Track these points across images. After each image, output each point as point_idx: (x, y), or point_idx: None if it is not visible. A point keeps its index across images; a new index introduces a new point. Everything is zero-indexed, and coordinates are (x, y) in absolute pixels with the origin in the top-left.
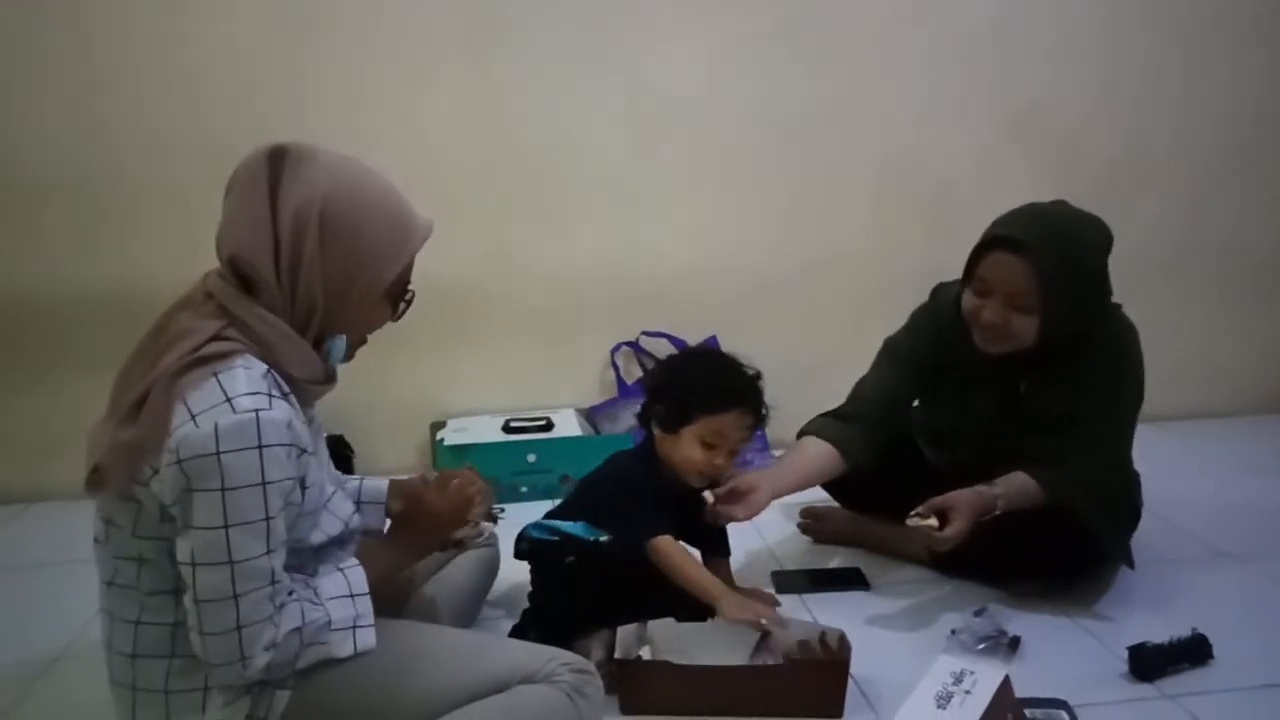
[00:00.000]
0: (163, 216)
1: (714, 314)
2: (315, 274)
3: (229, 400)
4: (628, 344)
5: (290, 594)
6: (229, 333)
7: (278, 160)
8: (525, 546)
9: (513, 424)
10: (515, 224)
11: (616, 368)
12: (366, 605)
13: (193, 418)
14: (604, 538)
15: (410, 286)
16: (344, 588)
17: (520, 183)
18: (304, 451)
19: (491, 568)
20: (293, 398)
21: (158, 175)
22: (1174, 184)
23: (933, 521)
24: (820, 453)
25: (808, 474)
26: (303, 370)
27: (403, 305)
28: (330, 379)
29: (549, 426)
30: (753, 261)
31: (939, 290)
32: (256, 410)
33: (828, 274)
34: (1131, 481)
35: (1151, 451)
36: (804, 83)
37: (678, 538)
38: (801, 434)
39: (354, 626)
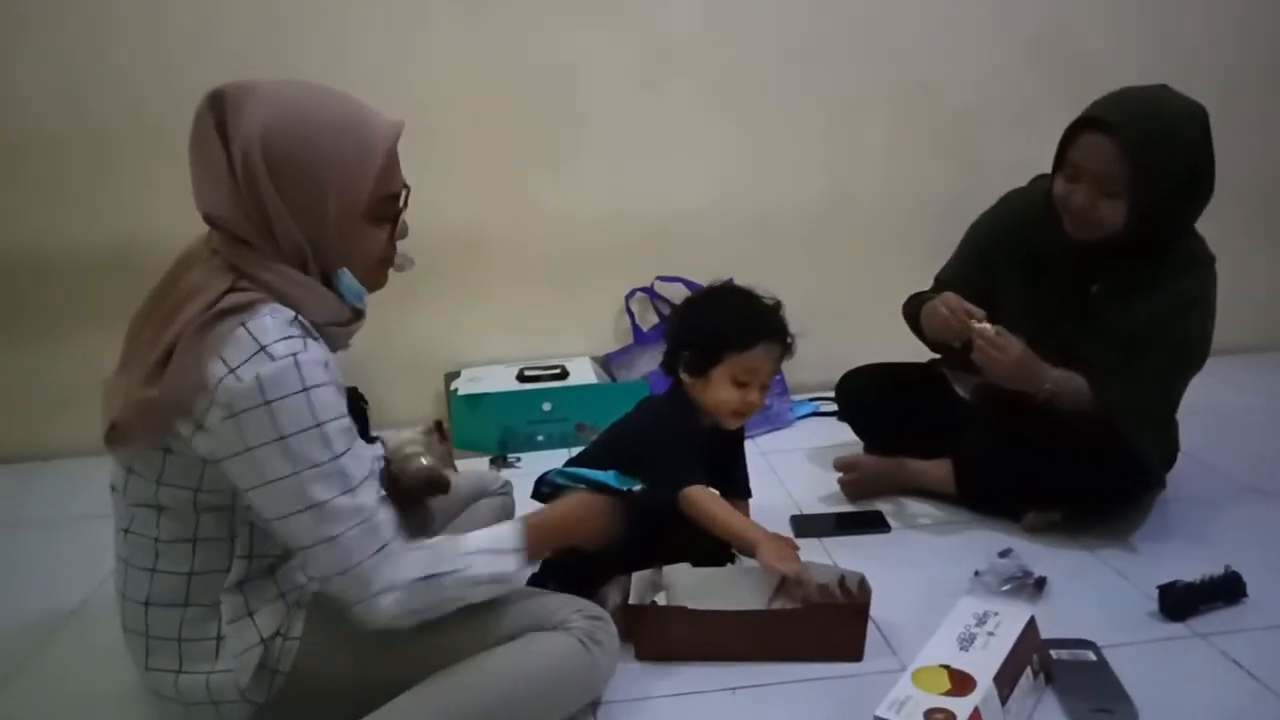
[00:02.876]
0: (160, 169)
1: (729, 256)
2: (282, 214)
3: (264, 349)
4: (642, 290)
5: (431, 544)
6: (241, 285)
7: (218, 105)
8: (547, 490)
9: (527, 373)
10: (523, 170)
11: (631, 314)
12: (512, 562)
13: (232, 370)
14: (637, 487)
15: (403, 193)
16: (489, 542)
17: (525, 127)
18: (342, 388)
19: (507, 515)
20: (322, 341)
21: (154, 127)
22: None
23: (988, 327)
24: None
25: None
26: (323, 313)
27: (403, 221)
28: (355, 317)
29: (564, 375)
30: (767, 200)
31: (1036, 179)
32: (294, 354)
33: (845, 210)
34: (1173, 422)
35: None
36: (814, 12)
37: (709, 483)
38: (908, 310)
39: (499, 580)
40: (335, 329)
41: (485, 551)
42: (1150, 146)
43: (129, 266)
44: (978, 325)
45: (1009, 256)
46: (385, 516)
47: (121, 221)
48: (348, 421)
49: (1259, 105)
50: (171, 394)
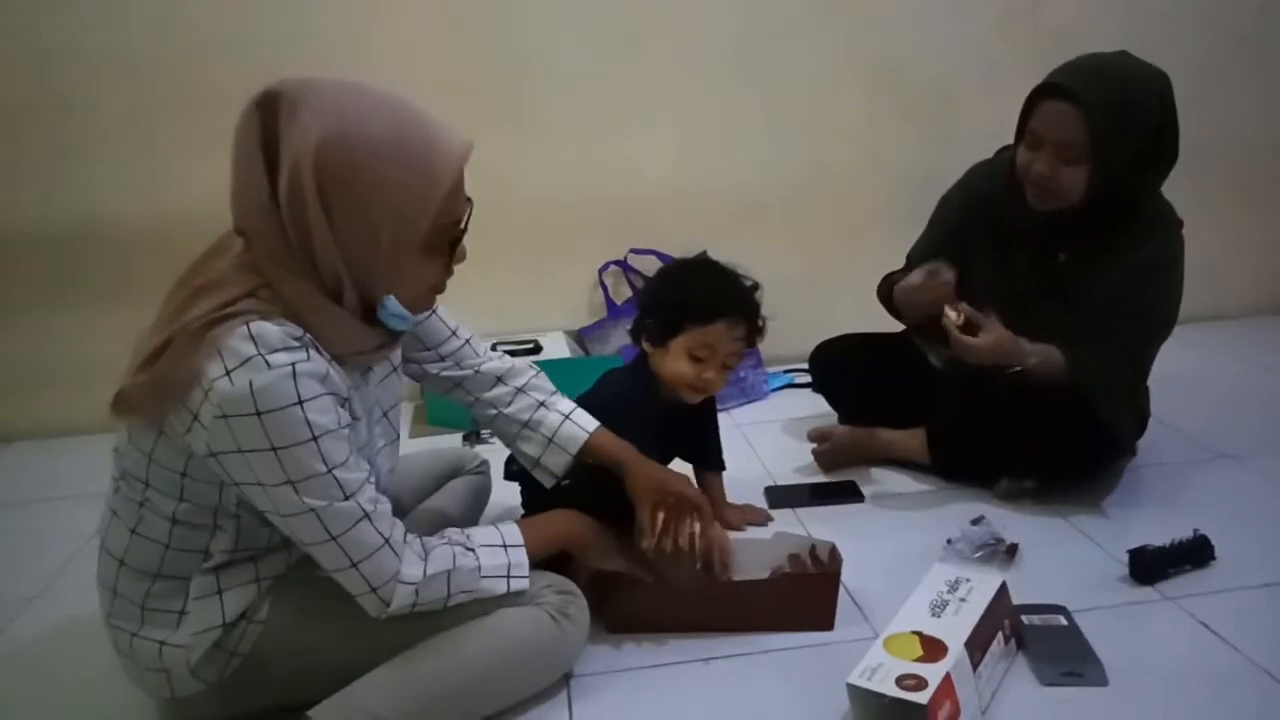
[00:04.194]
0: (125, 143)
1: (704, 229)
2: (327, 242)
3: (261, 356)
4: (616, 263)
5: (443, 539)
6: (262, 293)
7: (269, 109)
8: (516, 468)
9: (500, 348)
10: (493, 143)
11: (605, 288)
12: (520, 556)
13: (228, 373)
14: None
15: (465, 216)
16: (497, 538)
17: (494, 100)
18: (346, 400)
19: (482, 493)
20: (335, 365)
21: (114, 100)
22: (1174, 77)
23: (957, 317)
24: None
25: None
26: (340, 344)
27: (462, 246)
28: (387, 343)
29: (537, 349)
30: (742, 173)
31: (1001, 150)
32: (292, 365)
33: (820, 184)
34: (1144, 389)
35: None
36: None
37: (669, 457)
38: (882, 293)
39: (508, 575)
40: (355, 357)
41: (493, 546)
42: (1110, 111)
43: (97, 245)
44: (946, 316)
45: (976, 229)
46: (384, 512)
47: (79, 198)
48: (345, 431)
49: (1236, 71)
50: (164, 383)
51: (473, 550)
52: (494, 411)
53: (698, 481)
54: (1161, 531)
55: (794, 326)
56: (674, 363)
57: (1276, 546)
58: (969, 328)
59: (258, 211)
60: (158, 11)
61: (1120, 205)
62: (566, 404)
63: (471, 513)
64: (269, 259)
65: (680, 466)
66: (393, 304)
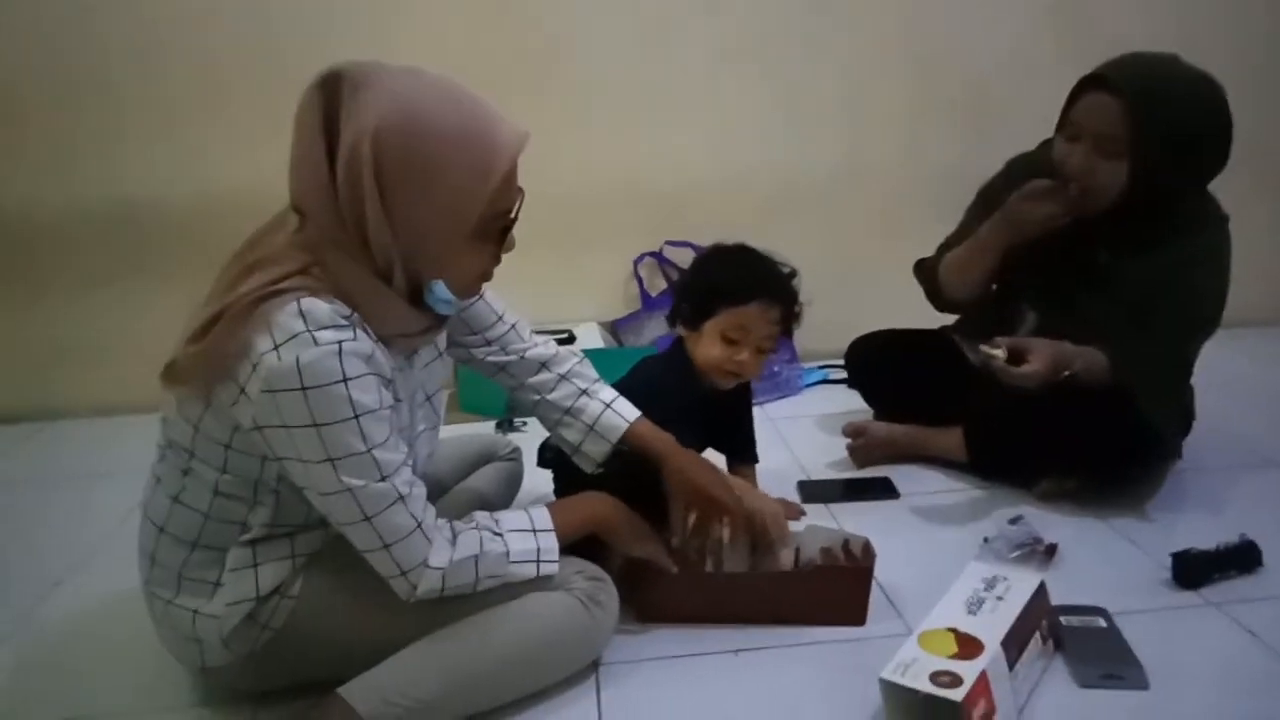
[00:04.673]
0: (146, 126)
1: (739, 221)
2: (381, 223)
3: (310, 333)
4: (651, 254)
5: (471, 523)
6: (314, 271)
7: (331, 89)
8: (550, 455)
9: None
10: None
11: (640, 279)
12: (550, 541)
13: (276, 348)
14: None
15: (516, 205)
16: (526, 522)
17: (528, 88)
18: (390, 382)
19: (514, 480)
20: (381, 345)
21: (141, 85)
22: (1222, 78)
23: (1000, 353)
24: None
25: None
26: (388, 326)
27: (511, 235)
28: (433, 326)
29: (571, 340)
30: (778, 165)
31: (1043, 145)
32: (339, 343)
33: (857, 176)
34: (1189, 389)
35: (1201, 357)
36: None
37: (704, 445)
38: (920, 265)
39: (537, 560)
40: (402, 340)
41: (522, 531)
42: (1151, 105)
43: (120, 226)
44: (992, 351)
45: None
46: (419, 495)
47: (108, 179)
48: (387, 412)
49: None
50: (214, 355)
51: (501, 535)
52: (537, 397)
53: (730, 473)
54: (1206, 536)
55: (829, 321)
56: (708, 346)
57: None
58: (1015, 358)
59: (315, 189)
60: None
61: (1158, 203)
62: (609, 392)
63: (504, 500)
64: (323, 238)
65: (713, 457)
66: (440, 289)
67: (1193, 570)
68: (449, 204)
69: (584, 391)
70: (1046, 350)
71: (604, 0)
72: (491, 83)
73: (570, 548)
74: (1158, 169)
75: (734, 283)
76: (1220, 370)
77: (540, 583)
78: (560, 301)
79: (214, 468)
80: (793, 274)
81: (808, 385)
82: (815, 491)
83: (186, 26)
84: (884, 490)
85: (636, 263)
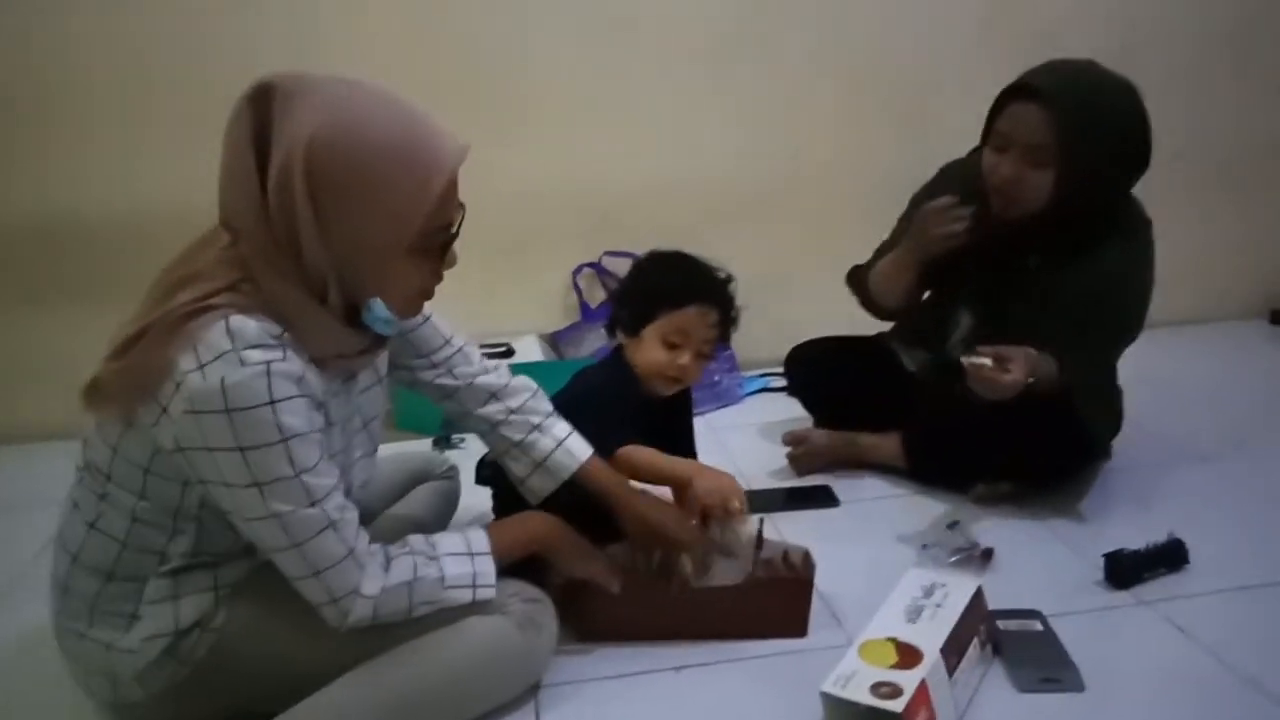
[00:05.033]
0: (106, 140)
1: (679, 230)
2: (314, 240)
3: (236, 352)
4: (590, 265)
5: (404, 548)
6: (244, 288)
7: (262, 101)
8: (488, 472)
9: None
10: (463, 135)
11: (579, 290)
12: (486, 565)
13: (200, 367)
14: None
15: (457, 220)
16: (462, 545)
17: (465, 98)
18: (321, 404)
19: (451, 499)
20: (314, 366)
21: (66, 99)
22: (1155, 79)
23: (988, 362)
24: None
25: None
26: (322, 346)
27: (453, 250)
28: (371, 347)
29: (510, 353)
30: (717, 174)
31: (973, 152)
32: (267, 363)
33: (795, 185)
34: (1118, 391)
35: (1126, 357)
36: None
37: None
38: (852, 276)
39: (473, 585)
40: (337, 361)
41: (458, 554)
42: (1079, 115)
43: (77, 243)
44: (980, 362)
45: None
46: (350, 520)
47: (63, 195)
48: (318, 436)
49: (1217, 73)
50: (137, 372)
51: (436, 559)
52: (485, 427)
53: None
54: (1136, 534)
55: (769, 329)
56: (649, 351)
57: (1248, 549)
58: (998, 365)
59: (246, 206)
60: (135, 3)
61: (1085, 210)
62: (562, 427)
63: (440, 519)
64: (255, 255)
65: None
66: (378, 307)
67: (1124, 570)
68: (386, 218)
69: (536, 427)
70: (1023, 358)
71: (540, 9)
72: (425, 92)
73: (516, 569)
74: (1085, 176)
75: (672, 286)
76: (1144, 370)
77: (477, 607)
78: (499, 314)
79: (132, 493)
80: (729, 279)
81: (748, 394)
82: (757, 501)
83: (112, 40)
84: (825, 498)
85: (575, 274)
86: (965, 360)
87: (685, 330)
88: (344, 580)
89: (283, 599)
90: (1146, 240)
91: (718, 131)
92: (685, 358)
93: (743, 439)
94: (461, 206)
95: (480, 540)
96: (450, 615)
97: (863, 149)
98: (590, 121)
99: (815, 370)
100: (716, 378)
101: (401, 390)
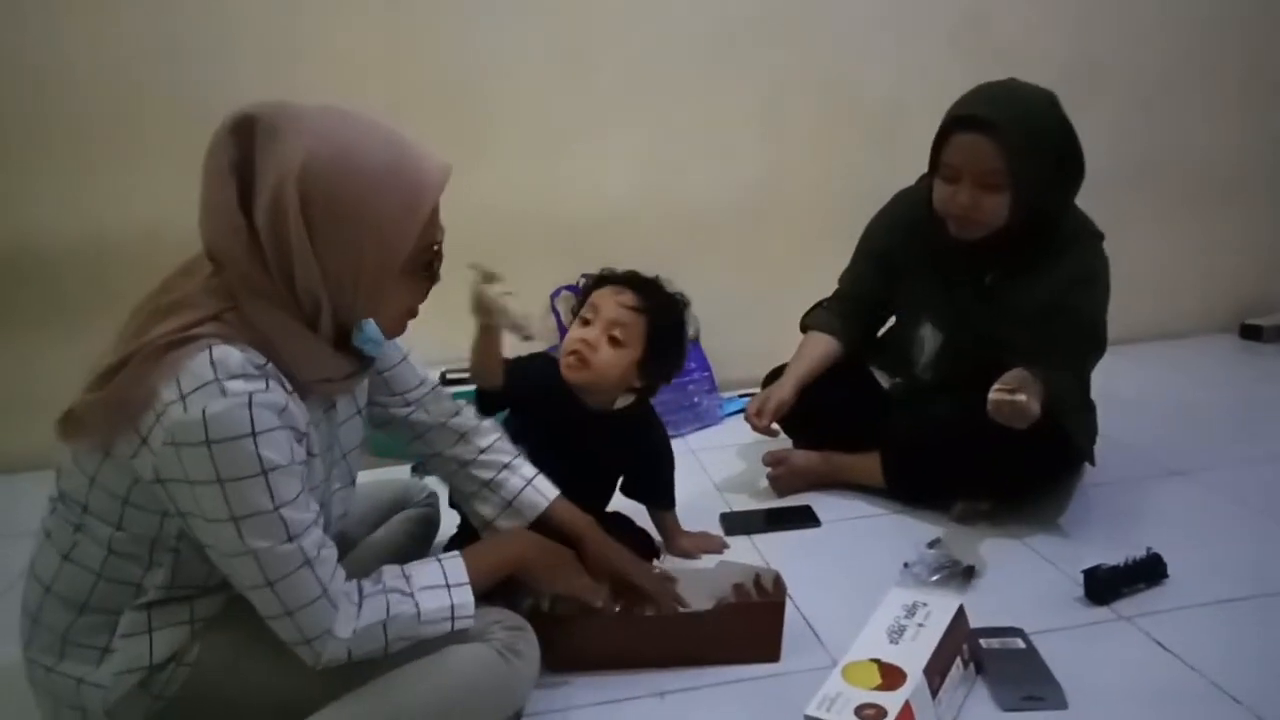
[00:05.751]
0: (33, 165)
1: (656, 252)
2: (309, 265)
3: (219, 382)
4: (568, 288)
5: (378, 584)
6: (229, 317)
7: (244, 134)
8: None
9: (449, 375)
10: None
11: (557, 314)
12: (465, 596)
13: (182, 398)
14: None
15: (438, 241)
16: (439, 577)
17: (442, 120)
18: (304, 435)
19: (430, 527)
20: (297, 396)
21: (62, 116)
22: (1123, 95)
23: (1021, 398)
24: (822, 343)
25: (815, 363)
26: (312, 371)
27: (436, 265)
28: (356, 370)
29: None
30: (693, 195)
31: (923, 178)
32: (250, 393)
33: (772, 204)
34: (1091, 405)
35: (1099, 373)
36: (736, 2)
37: (609, 478)
38: (804, 326)
39: (451, 618)
40: (324, 386)
41: (434, 587)
42: (1022, 134)
43: (44, 271)
44: (1010, 396)
45: (907, 256)
46: (327, 558)
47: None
48: (299, 468)
49: (1184, 89)
50: (118, 404)
51: (411, 595)
52: (455, 467)
53: (650, 518)
54: (1115, 550)
55: (748, 350)
56: (570, 330)
57: (1226, 562)
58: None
59: (231, 235)
60: (96, 27)
61: (1039, 224)
62: (529, 469)
63: (420, 548)
64: (242, 283)
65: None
66: (371, 328)
67: (1103, 586)
68: (380, 240)
69: (505, 465)
70: (1030, 383)
71: (518, 30)
72: (402, 115)
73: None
74: (1036, 190)
75: (601, 276)
76: (1119, 386)
77: (456, 635)
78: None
79: (109, 524)
80: (682, 299)
81: (727, 415)
82: (737, 523)
83: (85, 66)
84: (805, 519)
85: (553, 297)
86: (992, 397)
87: (596, 305)
88: (317, 621)
89: (259, 633)
90: (1099, 251)
91: (694, 154)
92: (591, 332)
93: (722, 460)
94: (441, 228)
95: (457, 570)
96: (429, 645)
97: (837, 170)
98: (567, 145)
99: None
100: (696, 399)
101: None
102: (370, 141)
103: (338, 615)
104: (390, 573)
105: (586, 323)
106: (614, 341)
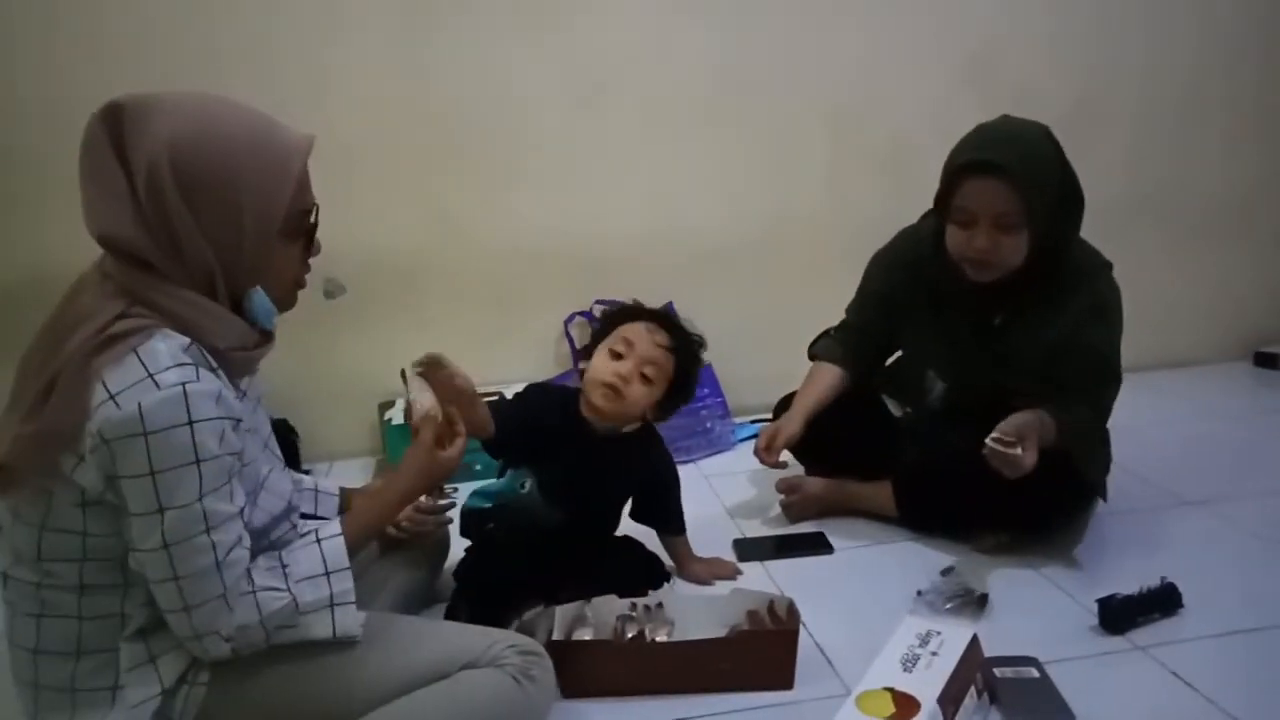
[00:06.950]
0: (57, 192)
1: (669, 280)
2: (193, 233)
3: (151, 376)
4: (581, 314)
5: (250, 582)
6: (135, 310)
7: (113, 120)
8: (465, 521)
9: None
10: (458, 191)
11: (571, 340)
12: (345, 582)
13: (112, 397)
14: (528, 483)
15: (313, 205)
16: (319, 565)
17: (462, 148)
18: (238, 422)
19: (440, 549)
20: (221, 372)
21: (60, 148)
22: (1132, 128)
23: (1018, 450)
24: (829, 374)
25: (822, 395)
26: (226, 338)
27: (316, 239)
28: (263, 341)
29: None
30: (707, 223)
31: (925, 216)
32: (183, 383)
33: (785, 232)
34: (1106, 433)
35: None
36: (750, 37)
37: (613, 500)
38: (811, 355)
39: (331, 605)
40: (240, 355)
41: (313, 577)
42: (1029, 171)
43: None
44: (1007, 450)
45: (910, 295)
46: (236, 559)
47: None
48: (229, 460)
49: (1195, 121)
50: (54, 425)
51: (287, 590)
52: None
53: (662, 543)
54: (1130, 579)
55: (760, 376)
56: (595, 363)
57: (1240, 593)
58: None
59: (122, 216)
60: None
61: (1050, 261)
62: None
63: (431, 568)
64: (136, 269)
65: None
66: (261, 297)
67: (1118, 616)
68: (254, 205)
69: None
70: (1030, 432)
71: (537, 62)
72: (423, 145)
73: (484, 615)
74: (1049, 227)
75: (629, 309)
76: (1133, 415)
77: (473, 656)
78: (491, 361)
79: (73, 562)
80: (699, 339)
81: (740, 440)
82: (750, 549)
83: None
84: (818, 545)
85: (567, 322)
86: (988, 445)
87: (630, 340)
88: (210, 619)
89: (267, 661)
90: (1110, 281)
91: (708, 183)
92: (626, 366)
93: (735, 486)
94: (315, 204)
95: (337, 551)
96: (444, 669)
97: (849, 200)
98: (582, 173)
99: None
100: (709, 424)
101: (393, 431)
102: (233, 114)
103: (227, 615)
104: (264, 565)
105: (619, 356)
106: (644, 378)
